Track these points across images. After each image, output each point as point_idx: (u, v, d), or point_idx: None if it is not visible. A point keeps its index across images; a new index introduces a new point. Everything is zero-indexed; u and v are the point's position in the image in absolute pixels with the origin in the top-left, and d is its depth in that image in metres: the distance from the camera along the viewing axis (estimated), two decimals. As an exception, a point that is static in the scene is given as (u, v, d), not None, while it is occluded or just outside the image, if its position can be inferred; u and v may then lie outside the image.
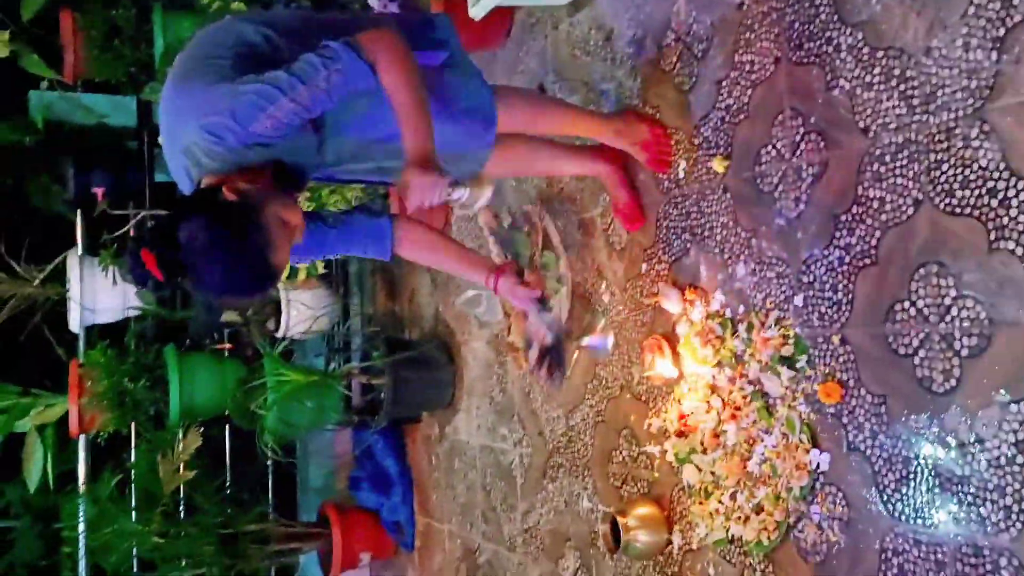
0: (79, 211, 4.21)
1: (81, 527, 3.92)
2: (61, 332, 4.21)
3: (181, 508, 4.18)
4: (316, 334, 4.20)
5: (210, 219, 1.65)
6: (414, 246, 2.13)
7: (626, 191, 2.47)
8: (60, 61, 4.21)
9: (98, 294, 4.03)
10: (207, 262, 1.64)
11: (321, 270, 4.01)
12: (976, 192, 1.56)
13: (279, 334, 4.03)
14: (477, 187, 1.89)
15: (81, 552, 3.99)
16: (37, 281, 4.03)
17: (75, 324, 4.10)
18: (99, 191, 3.97)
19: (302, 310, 4.00)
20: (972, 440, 1.59)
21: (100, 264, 3.98)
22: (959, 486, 1.62)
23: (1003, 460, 1.53)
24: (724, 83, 2.17)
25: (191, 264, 1.65)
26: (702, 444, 2.25)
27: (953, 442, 1.62)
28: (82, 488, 4.11)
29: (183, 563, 3.94)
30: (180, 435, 3.91)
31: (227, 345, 4.40)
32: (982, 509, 1.58)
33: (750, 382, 2.10)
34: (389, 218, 2.09)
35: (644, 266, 2.48)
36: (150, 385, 3.93)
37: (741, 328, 2.12)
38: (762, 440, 2.07)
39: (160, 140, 1.95)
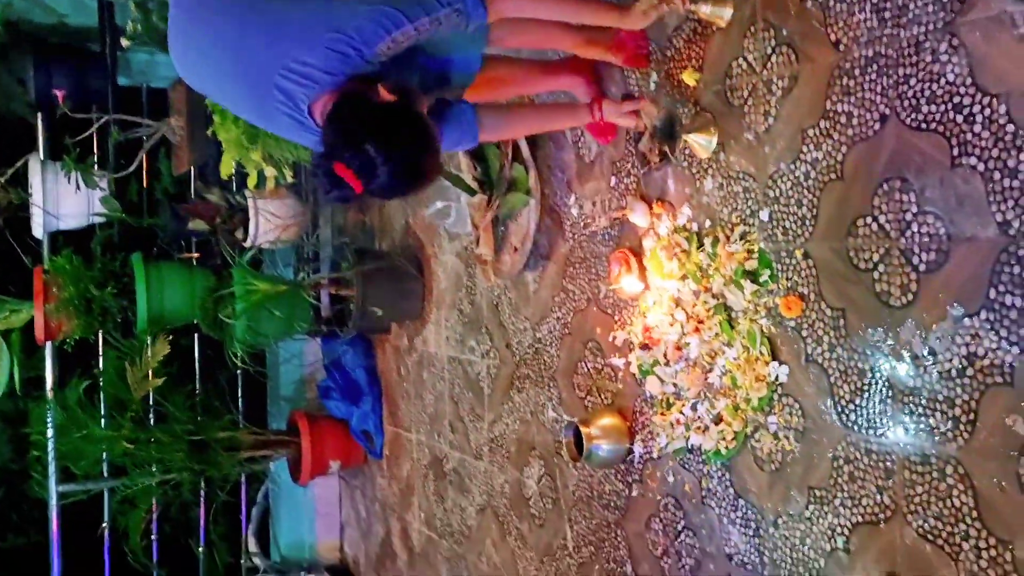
0: (39, 114, 4.11)
1: (50, 432, 3.94)
2: (25, 238, 4.15)
3: (151, 415, 4.21)
4: (285, 244, 4.18)
5: (401, 118, 1.71)
6: (498, 123, 2.16)
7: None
8: (17, -44, 4.06)
9: (61, 199, 3.96)
10: (405, 158, 1.68)
11: (290, 179, 3.96)
12: (942, 108, 1.56)
13: (247, 243, 4.00)
14: None
15: (50, 456, 4.02)
16: (-2, 185, 3.95)
17: (38, 230, 4.04)
18: (60, 93, 3.87)
19: (271, 219, 3.96)
20: (925, 353, 1.62)
21: (63, 169, 3.90)
22: (911, 397, 1.66)
23: (954, 372, 1.57)
24: (698, -7, 2.13)
25: (389, 165, 1.66)
26: (665, 356, 2.29)
27: (907, 355, 1.66)
28: (50, 394, 4.11)
29: (153, 468, 3.99)
30: (148, 343, 3.91)
31: (195, 254, 4.37)
32: (931, 419, 1.62)
33: (714, 296, 2.13)
34: (467, 106, 2.09)
35: (613, 179, 2.47)
36: (117, 292, 3.90)
37: (707, 242, 2.14)
38: (723, 353, 2.11)
39: (174, 72, 2.00)
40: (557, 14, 2.05)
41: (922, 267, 1.62)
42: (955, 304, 1.56)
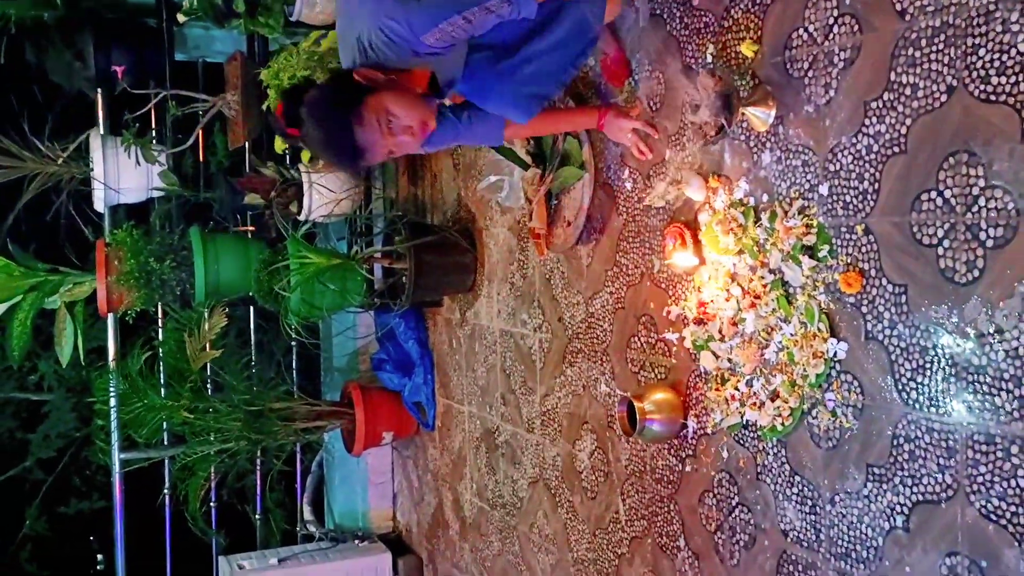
0: (100, 89, 4.18)
1: (112, 401, 4.04)
2: (87, 212, 4.24)
3: (209, 386, 4.30)
4: (339, 217, 4.21)
5: (326, 90, 1.94)
6: (520, 126, 2.33)
7: (614, 43, 2.54)
8: (75, -66, 4.10)
9: (121, 174, 4.03)
10: (310, 123, 1.89)
11: (343, 153, 3.99)
12: (1012, 79, 1.52)
13: (301, 217, 4.04)
14: None
15: (113, 424, 4.13)
16: (61, 160, 4.03)
17: (100, 203, 4.12)
18: (119, 69, 3.93)
19: (324, 193, 3.99)
20: (991, 331, 1.59)
21: (123, 144, 3.97)
22: (975, 376, 1.63)
23: (1021, 351, 1.54)
24: (758, -38, 2.09)
25: (303, 121, 1.89)
26: (720, 332, 2.27)
27: (972, 332, 1.63)
28: (112, 364, 4.22)
29: (212, 437, 4.07)
30: (206, 315, 3.98)
31: (250, 227, 4.42)
32: (997, 398, 1.59)
33: (771, 271, 2.10)
34: None
35: (668, 153, 2.45)
36: (175, 265, 3.97)
37: (764, 217, 2.11)
38: (780, 328, 2.09)
39: (336, 19, 2.12)
40: None
41: (989, 243, 1.58)
42: (1023, 281, 1.52)
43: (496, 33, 2.02)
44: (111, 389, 4.04)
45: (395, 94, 1.88)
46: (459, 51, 1.99)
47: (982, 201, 1.59)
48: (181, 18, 3.99)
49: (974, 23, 1.58)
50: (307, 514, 5.01)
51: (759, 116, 2.08)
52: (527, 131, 2.59)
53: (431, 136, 2.16)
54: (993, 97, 1.55)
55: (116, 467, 4.26)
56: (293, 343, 4.55)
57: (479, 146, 2.74)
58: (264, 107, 3.84)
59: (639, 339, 2.64)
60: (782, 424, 2.09)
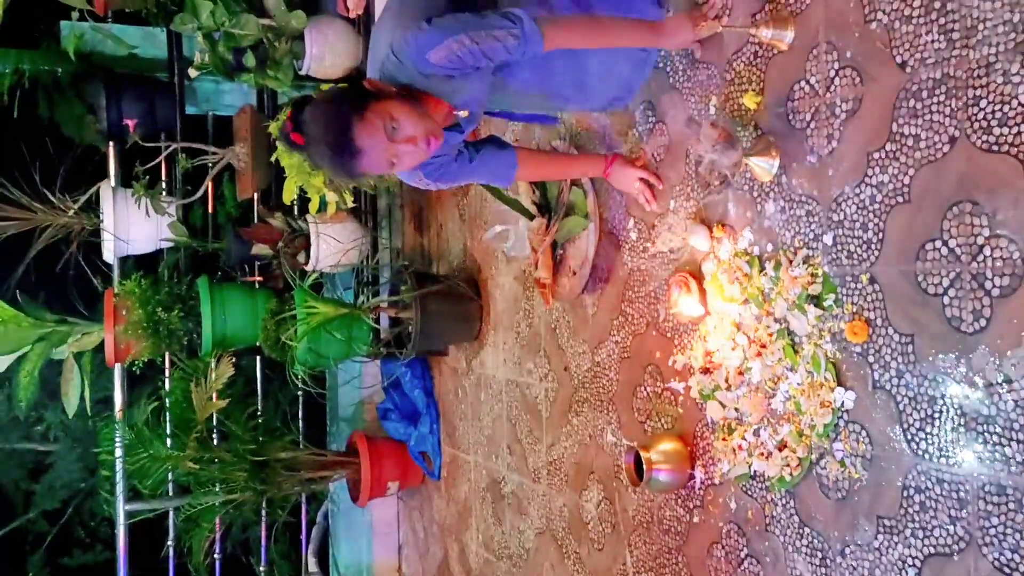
0: (111, 142, 4.23)
1: (118, 451, 4.03)
2: (96, 262, 4.27)
3: (215, 436, 4.29)
4: (345, 267, 4.23)
5: (335, 91, 1.90)
6: (530, 168, 2.45)
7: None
8: (90, -9, 4.18)
9: (131, 225, 4.07)
10: (311, 119, 1.85)
11: (350, 204, 4.03)
12: (1015, 129, 1.53)
13: (309, 267, 4.06)
14: None
15: (118, 475, 4.11)
16: (72, 211, 4.07)
17: (109, 254, 4.16)
18: (131, 123, 3.99)
19: (331, 243, 4.02)
20: (1000, 380, 1.58)
21: (133, 195, 4.01)
22: (984, 426, 1.62)
23: (1029, 401, 1.53)
24: (758, 16, 2.12)
25: (306, 123, 1.85)
26: (727, 381, 2.26)
27: (980, 382, 1.62)
28: (118, 414, 4.21)
29: (216, 487, 4.05)
30: (213, 364, 3.98)
31: (258, 277, 4.45)
32: (1007, 449, 1.58)
33: (776, 320, 2.10)
34: (512, 148, 2.38)
35: (672, 203, 2.46)
36: (183, 315, 3.99)
37: (769, 266, 2.11)
38: (787, 378, 2.08)
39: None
40: (603, 42, 2.11)
41: (995, 292, 1.58)
42: (1030, 330, 1.52)
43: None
44: (117, 439, 4.03)
45: (402, 103, 1.86)
46: (477, 82, 1.98)
47: (987, 250, 1.59)
48: (193, 72, 4.06)
49: (975, 75, 1.60)
50: (312, 566, 4.96)
51: (762, 166, 2.09)
52: (535, 174, 2.63)
53: (443, 170, 2.20)
54: (996, 147, 1.57)
55: (120, 518, 4.24)
56: (299, 392, 4.54)
57: (488, 184, 2.75)
58: (272, 159, 3.89)
59: (645, 388, 2.63)
60: (790, 475, 2.07)
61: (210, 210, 4.52)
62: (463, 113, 2.05)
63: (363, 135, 1.82)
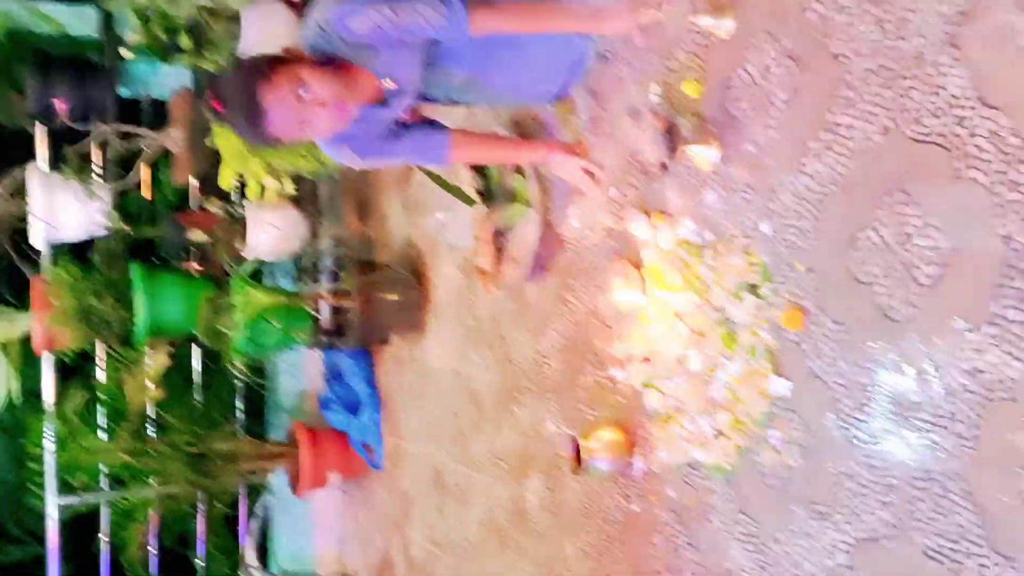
0: (39, 123, 4.10)
1: (48, 443, 3.92)
2: (25, 248, 4.13)
3: (151, 427, 4.19)
4: (285, 255, 4.17)
5: (246, 60, 1.94)
6: (466, 150, 2.37)
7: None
8: (18, -32, 4.06)
9: (61, 210, 3.95)
10: (223, 81, 1.91)
11: (291, 191, 3.96)
12: (944, 120, 1.55)
13: (247, 254, 3.99)
14: None
15: (48, 468, 4.00)
16: (-1, 196, 3.94)
17: (38, 240, 4.03)
18: (60, 103, 3.86)
19: (271, 230, 3.95)
20: (929, 367, 1.60)
21: (63, 179, 3.89)
22: (914, 412, 1.64)
23: (957, 387, 1.56)
24: (698, 3, 2.12)
25: (223, 91, 1.89)
26: (666, 369, 2.27)
27: (910, 370, 1.64)
28: (49, 405, 4.10)
29: (152, 480, 3.97)
30: (148, 354, 3.89)
31: (195, 264, 4.35)
32: (934, 435, 1.60)
33: (715, 309, 2.11)
34: (447, 129, 2.30)
35: (613, 190, 2.46)
36: (116, 303, 3.89)
37: (708, 255, 2.12)
38: (725, 366, 2.09)
39: None
40: (537, 26, 2.13)
41: (925, 280, 1.60)
42: (958, 319, 1.54)
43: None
44: (47, 431, 3.92)
45: (315, 67, 1.88)
46: (405, 57, 2.00)
47: (917, 239, 1.61)
48: (126, 53, 3.95)
49: (906, 66, 1.61)
50: (251, 559, 4.89)
51: (703, 155, 2.10)
52: (472, 156, 2.59)
53: (371, 146, 2.17)
54: (926, 138, 1.58)
55: (51, 512, 4.12)
56: (239, 382, 4.47)
57: (421, 164, 2.79)
58: (210, 144, 3.80)
59: (586, 377, 2.63)
60: (727, 462, 2.09)
61: (146, 196, 4.41)
62: (388, 84, 2.04)
63: (269, 96, 1.83)
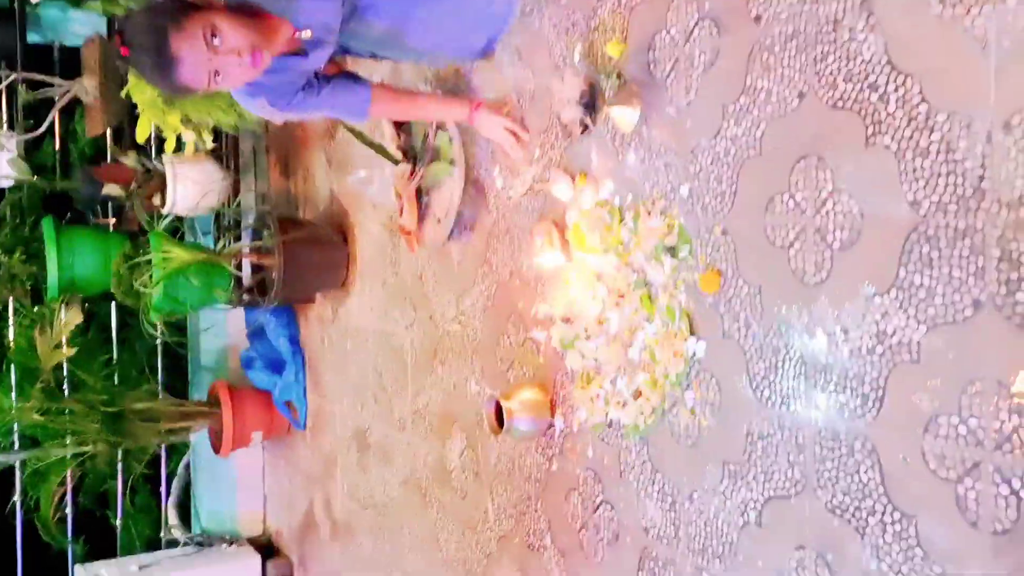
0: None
1: (-45, 404, 3.79)
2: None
3: (66, 386, 4.08)
4: (205, 211, 4.06)
5: (154, 4, 1.88)
6: (387, 105, 2.39)
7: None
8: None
9: (-34, 161, 3.79)
10: (129, 27, 1.84)
11: (210, 145, 3.85)
12: (858, 86, 1.56)
13: (165, 210, 3.87)
14: None
15: (-43, 429, 3.87)
16: (-102, 145, 3.75)
17: (-58, 192, 3.86)
18: (-38, 49, 3.68)
19: (190, 186, 3.84)
20: (838, 330, 1.64)
21: (-32, 129, 3.72)
22: (823, 374, 1.67)
23: (864, 350, 1.59)
24: (624, -37, 2.10)
25: (130, 36, 1.83)
26: (586, 331, 2.28)
27: (820, 332, 1.67)
28: (-44, 363, 3.96)
29: (67, 440, 3.86)
30: (60, 311, 3.77)
31: (110, 220, 4.21)
32: (841, 396, 1.64)
33: (635, 271, 2.12)
34: (368, 83, 2.30)
35: (537, 151, 2.44)
36: (26, 258, 3.75)
37: (628, 216, 2.12)
38: (644, 328, 2.10)
39: None
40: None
41: (836, 245, 1.63)
42: (866, 283, 1.57)
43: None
44: (-46, 391, 3.79)
45: (228, 13, 1.83)
46: (324, 4, 1.98)
47: (830, 204, 1.63)
48: (35, -2, 3.77)
49: (823, 31, 1.62)
50: (172, 518, 4.82)
51: (624, 116, 2.09)
52: (393, 112, 2.56)
53: (288, 98, 2.13)
54: (840, 104, 1.60)
55: (-40, 473, 4.00)
56: (158, 341, 4.36)
57: (341, 119, 2.79)
58: (125, 94, 3.67)
59: (508, 338, 2.63)
60: (644, 422, 2.11)
61: (58, 147, 4.24)
62: (305, 34, 1.99)
63: (180, 43, 1.77)
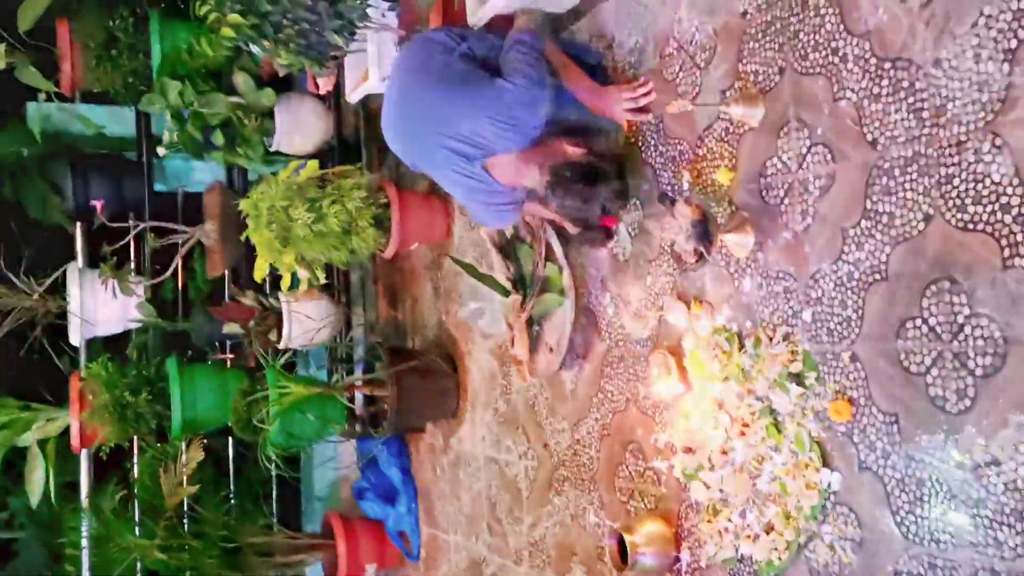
0: (78, 223, 4.17)
1: (84, 541, 3.89)
2: (62, 345, 4.17)
3: (185, 521, 4.15)
4: (318, 345, 4.16)
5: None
6: (557, 57, 2.51)
7: None
8: (57, 72, 4.17)
9: (98, 307, 3.99)
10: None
11: (322, 280, 3.97)
12: (989, 207, 1.52)
13: (281, 345, 3.99)
14: None
15: (84, 566, 3.96)
16: (37, 294, 3.99)
17: (76, 337, 4.07)
18: (98, 203, 3.94)
19: (304, 321, 3.95)
20: (988, 462, 1.54)
21: (100, 277, 3.94)
22: (975, 509, 1.57)
23: (1020, 483, 1.49)
24: (728, 93, 2.12)
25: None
26: (710, 461, 2.21)
27: (968, 463, 1.58)
28: (84, 503, 4.08)
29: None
30: (183, 448, 3.88)
31: (229, 356, 4.36)
32: (999, 533, 1.53)
33: (758, 398, 2.06)
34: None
35: (649, 279, 2.44)
36: (152, 397, 3.89)
37: (748, 343, 2.08)
38: (771, 458, 2.03)
39: (391, 137, 2.61)
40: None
41: (978, 371, 1.55)
42: (1016, 411, 1.49)
43: None
44: (83, 527, 3.90)
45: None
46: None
47: (968, 329, 1.57)
48: (161, 151, 4.03)
49: (946, 153, 1.59)
50: (288, 654, 4.77)
51: (738, 242, 2.07)
52: (558, 62, 2.51)
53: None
54: (971, 226, 1.55)
55: (86, 612, 4.07)
56: (273, 473, 4.42)
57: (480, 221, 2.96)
58: (243, 237, 3.84)
59: (627, 467, 2.57)
60: (779, 558, 2.02)
61: (180, 289, 4.45)
62: None
63: None
